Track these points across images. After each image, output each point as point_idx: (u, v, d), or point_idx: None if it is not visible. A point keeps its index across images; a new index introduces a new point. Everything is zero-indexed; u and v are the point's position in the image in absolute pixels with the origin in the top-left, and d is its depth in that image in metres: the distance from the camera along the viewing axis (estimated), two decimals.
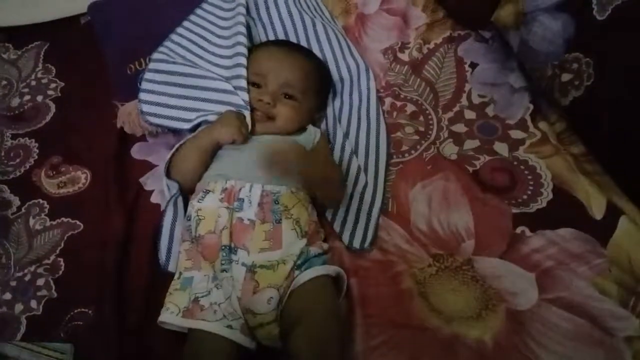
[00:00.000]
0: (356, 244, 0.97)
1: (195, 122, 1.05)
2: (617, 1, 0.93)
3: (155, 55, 1.16)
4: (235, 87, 1.06)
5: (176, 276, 0.91)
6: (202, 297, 0.85)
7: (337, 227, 0.99)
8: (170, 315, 0.85)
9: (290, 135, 1.03)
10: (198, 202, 0.93)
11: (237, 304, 0.84)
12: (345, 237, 0.98)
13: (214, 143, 0.99)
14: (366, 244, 0.97)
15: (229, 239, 0.88)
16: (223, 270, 0.86)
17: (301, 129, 1.06)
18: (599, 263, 0.90)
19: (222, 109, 1.04)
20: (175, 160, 1.00)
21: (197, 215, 0.92)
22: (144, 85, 1.12)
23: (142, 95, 1.10)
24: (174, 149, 1.01)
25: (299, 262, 0.87)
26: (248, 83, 1.06)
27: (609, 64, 0.96)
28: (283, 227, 0.89)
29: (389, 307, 0.90)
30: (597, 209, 0.96)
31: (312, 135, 1.05)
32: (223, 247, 0.87)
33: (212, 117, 1.04)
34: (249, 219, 0.89)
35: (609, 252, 0.91)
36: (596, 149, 1.03)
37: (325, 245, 0.95)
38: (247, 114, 1.02)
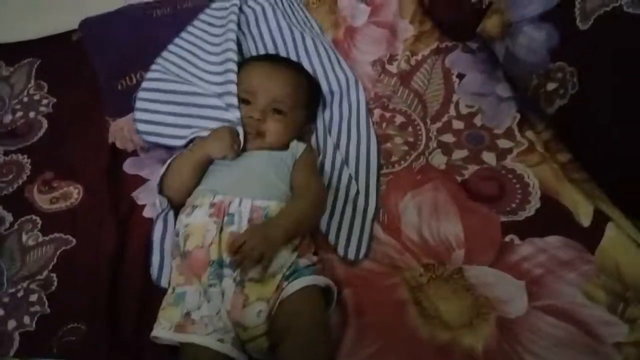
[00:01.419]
0: (351, 255, 0.98)
1: (189, 137, 1.06)
2: (599, 11, 0.94)
3: (149, 74, 1.18)
4: (226, 104, 1.07)
5: (169, 291, 0.91)
6: (193, 311, 0.85)
7: (331, 239, 1.00)
8: (162, 330, 0.85)
9: (276, 151, 1.04)
10: (186, 217, 0.94)
11: (227, 317, 0.85)
12: (340, 249, 0.98)
13: (206, 158, 1.00)
14: (360, 255, 0.98)
15: (217, 253, 0.88)
16: (211, 285, 0.87)
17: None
18: (587, 270, 0.91)
19: (216, 125, 1.05)
20: (168, 174, 1.01)
21: (185, 231, 0.92)
22: (139, 104, 1.13)
23: (138, 115, 1.12)
24: (166, 164, 1.02)
25: (287, 273, 0.88)
26: (238, 99, 1.07)
27: (593, 73, 0.98)
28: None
29: (382, 317, 0.90)
30: (585, 216, 0.97)
31: (295, 149, 1.05)
32: (211, 262, 0.88)
33: (205, 133, 1.05)
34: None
35: (597, 258, 0.92)
36: (582, 156, 1.04)
37: (315, 257, 0.95)
38: (240, 130, 1.03)
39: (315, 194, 0.99)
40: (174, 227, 0.98)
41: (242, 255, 0.84)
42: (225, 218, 0.91)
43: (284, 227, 0.88)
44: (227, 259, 0.87)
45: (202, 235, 0.90)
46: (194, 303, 0.86)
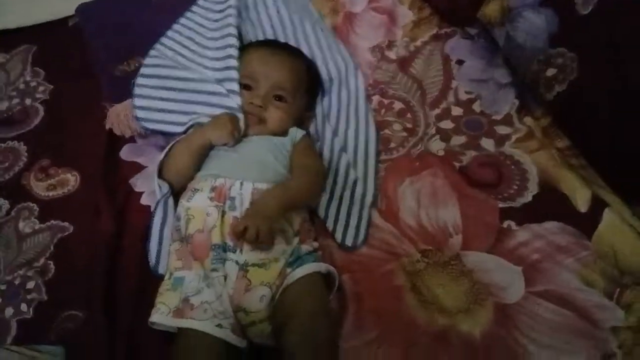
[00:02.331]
0: (349, 241, 0.98)
1: (189, 124, 1.06)
2: None
3: (147, 60, 1.17)
4: (227, 90, 1.07)
5: (167, 277, 0.91)
6: (192, 296, 0.85)
7: (329, 225, 1.00)
8: (161, 316, 0.85)
9: (276, 136, 1.03)
10: (187, 201, 0.94)
11: (228, 302, 0.85)
12: (338, 235, 0.99)
13: (206, 144, 0.99)
14: (358, 242, 0.98)
15: (220, 237, 0.88)
16: (213, 270, 0.87)
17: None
18: (584, 255, 0.91)
19: (217, 111, 1.04)
20: (168, 160, 1.00)
21: (187, 215, 0.92)
22: (137, 90, 1.12)
23: (137, 101, 1.11)
24: (166, 149, 1.02)
25: (290, 259, 0.88)
26: (239, 85, 1.07)
27: (592, 58, 0.97)
28: (275, 226, 0.89)
29: (381, 302, 0.91)
30: (582, 202, 0.97)
31: (293, 134, 1.05)
32: (214, 246, 0.88)
33: (204, 119, 1.05)
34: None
35: (594, 244, 0.92)
36: (580, 142, 1.04)
37: (316, 244, 0.95)
38: (240, 117, 1.03)
39: (312, 171, 0.99)
40: (174, 213, 0.98)
41: (244, 241, 0.85)
42: (227, 202, 0.91)
43: (278, 200, 0.89)
44: (230, 242, 0.87)
45: (203, 219, 0.90)
46: (193, 288, 0.86)
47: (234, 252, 0.87)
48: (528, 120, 1.10)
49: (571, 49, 1.00)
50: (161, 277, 0.93)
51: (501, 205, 0.99)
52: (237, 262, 0.86)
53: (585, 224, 0.94)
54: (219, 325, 0.82)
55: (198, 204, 0.92)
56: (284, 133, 1.05)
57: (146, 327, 0.88)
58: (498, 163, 1.05)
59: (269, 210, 0.87)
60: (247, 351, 0.86)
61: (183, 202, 0.95)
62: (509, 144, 1.07)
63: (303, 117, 1.12)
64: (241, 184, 0.93)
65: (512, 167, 1.04)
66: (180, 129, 1.07)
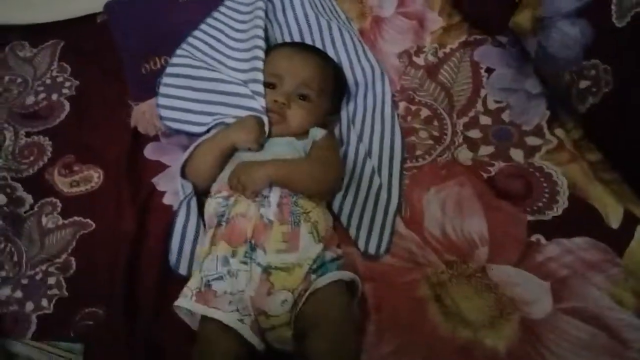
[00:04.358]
0: (371, 249, 0.96)
1: (212, 124, 1.05)
2: (637, 8, 0.92)
3: (174, 59, 1.16)
4: (252, 92, 1.06)
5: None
6: (213, 280, 0.84)
7: (352, 233, 0.99)
8: (184, 299, 0.84)
9: (298, 138, 1.02)
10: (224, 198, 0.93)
11: (249, 302, 0.84)
12: (361, 243, 0.97)
13: (231, 146, 0.99)
14: (381, 250, 0.97)
15: (252, 233, 0.88)
16: (243, 262, 0.86)
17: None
18: (615, 273, 0.89)
19: (241, 113, 1.04)
20: (191, 160, 1.00)
21: (235, 198, 0.92)
22: (163, 89, 1.12)
23: (161, 100, 1.11)
24: (190, 149, 1.01)
25: (314, 266, 0.87)
26: (264, 86, 1.06)
27: (628, 71, 0.95)
28: (301, 230, 0.89)
29: (403, 313, 0.89)
30: (614, 218, 0.94)
31: (314, 133, 1.03)
32: (247, 240, 0.87)
33: (229, 120, 1.04)
34: (268, 219, 0.89)
35: (625, 261, 0.90)
36: (613, 157, 1.01)
37: (339, 251, 0.94)
38: (265, 120, 1.02)
39: (324, 162, 0.98)
40: (197, 214, 0.98)
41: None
42: (259, 197, 0.91)
43: (273, 170, 0.92)
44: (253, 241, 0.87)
45: (247, 205, 0.90)
46: (212, 270, 0.85)
47: (256, 251, 0.86)
48: (559, 132, 1.07)
49: (605, 61, 0.98)
50: (182, 277, 0.92)
51: (530, 218, 0.97)
52: (259, 264, 0.85)
53: (617, 240, 0.92)
54: (241, 321, 0.81)
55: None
56: (305, 133, 1.04)
57: (165, 326, 0.88)
58: (527, 175, 1.03)
59: (259, 179, 0.90)
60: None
61: (218, 199, 0.94)
62: (539, 155, 1.05)
63: (325, 121, 1.11)
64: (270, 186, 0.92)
65: (542, 179, 1.02)
66: (203, 129, 1.06)
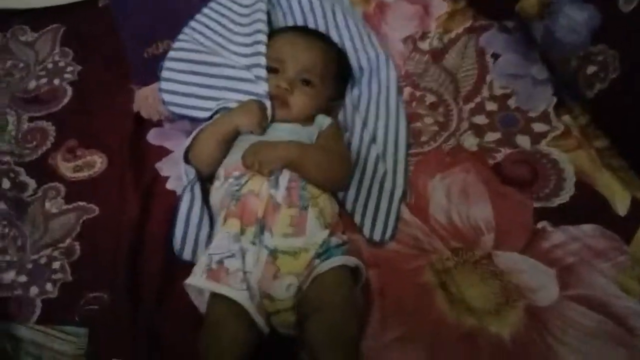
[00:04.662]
0: (376, 236, 0.96)
1: (215, 109, 1.05)
2: None
3: (176, 44, 1.16)
4: (255, 76, 1.05)
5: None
6: (226, 258, 0.83)
7: (357, 219, 0.98)
8: (194, 277, 0.83)
9: (302, 124, 1.02)
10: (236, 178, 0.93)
11: (256, 284, 0.83)
12: (366, 230, 0.97)
13: (234, 130, 0.98)
14: (386, 236, 0.96)
15: (263, 213, 0.87)
16: (252, 243, 0.85)
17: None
18: (622, 260, 0.88)
19: (244, 98, 1.03)
20: (194, 145, 0.99)
21: (248, 176, 0.91)
22: (165, 74, 1.11)
23: (164, 85, 1.10)
24: (193, 134, 1.01)
25: (320, 251, 0.86)
26: (267, 69, 1.05)
27: (636, 57, 0.94)
28: (309, 215, 0.88)
29: (408, 300, 0.89)
30: (621, 205, 0.94)
31: (320, 122, 1.03)
32: (258, 220, 0.87)
33: (231, 105, 1.03)
34: (276, 202, 0.88)
35: (632, 249, 0.89)
36: (621, 143, 1.00)
37: (345, 237, 0.94)
38: (268, 104, 1.01)
39: (334, 154, 0.98)
40: (201, 200, 0.97)
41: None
42: (272, 178, 0.90)
43: (291, 150, 0.92)
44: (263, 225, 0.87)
45: (261, 183, 0.89)
46: (224, 248, 0.84)
47: (264, 233, 0.86)
48: (566, 118, 1.06)
49: (613, 46, 0.97)
50: (185, 263, 0.92)
51: (536, 205, 0.96)
52: (267, 247, 0.85)
53: (624, 228, 0.91)
54: (251, 299, 0.80)
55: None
56: (308, 119, 1.03)
57: (169, 312, 0.88)
58: (533, 161, 1.02)
59: (273, 161, 0.90)
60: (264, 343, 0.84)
61: (233, 176, 0.94)
62: (546, 141, 1.04)
63: (328, 107, 1.10)
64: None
65: (548, 165, 1.01)
66: (206, 114, 1.06)
